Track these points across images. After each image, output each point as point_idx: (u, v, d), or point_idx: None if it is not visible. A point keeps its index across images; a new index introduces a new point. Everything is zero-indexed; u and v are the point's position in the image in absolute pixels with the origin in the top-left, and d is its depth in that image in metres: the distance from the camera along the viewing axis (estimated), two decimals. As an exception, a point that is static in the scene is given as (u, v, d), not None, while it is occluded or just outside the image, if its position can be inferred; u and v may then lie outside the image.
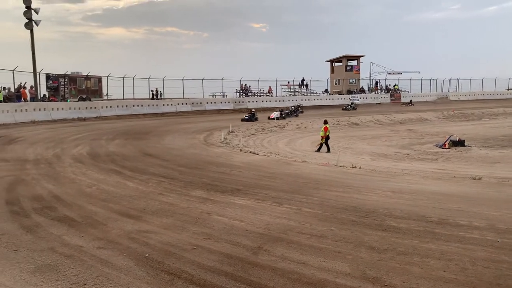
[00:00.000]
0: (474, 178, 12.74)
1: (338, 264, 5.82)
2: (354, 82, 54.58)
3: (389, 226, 7.60)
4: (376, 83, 55.57)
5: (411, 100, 33.29)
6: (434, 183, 11.92)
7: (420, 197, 10.06)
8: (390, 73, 56.08)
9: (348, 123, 31.35)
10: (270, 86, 49.50)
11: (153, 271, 5.55)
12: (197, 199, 9.64)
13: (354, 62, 55.70)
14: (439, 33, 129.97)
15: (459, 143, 20.77)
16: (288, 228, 7.47)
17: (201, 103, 41.54)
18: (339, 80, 54.58)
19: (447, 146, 20.60)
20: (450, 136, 21.49)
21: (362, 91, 53.83)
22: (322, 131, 20.18)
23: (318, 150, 19.93)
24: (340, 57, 55.97)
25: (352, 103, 42.75)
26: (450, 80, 59.70)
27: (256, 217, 8.19)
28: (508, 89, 59.17)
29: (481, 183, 12.20)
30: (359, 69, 55.68)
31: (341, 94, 51.62)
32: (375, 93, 53.22)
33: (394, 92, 52.71)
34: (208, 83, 45.42)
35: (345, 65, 55.39)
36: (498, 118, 35.01)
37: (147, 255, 6.11)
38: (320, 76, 55.77)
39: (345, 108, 41.56)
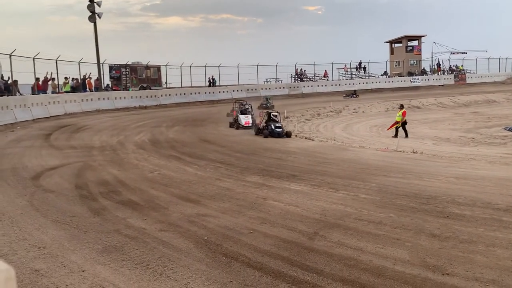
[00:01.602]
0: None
1: (396, 251, 5.69)
2: (415, 63, 52.22)
3: (452, 213, 7.29)
4: (439, 63, 52.83)
5: (355, 91, 29.95)
6: (502, 169, 11.24)
7: (486, 183, 9.55)
8: (454, 53, 53.00)
9: (409, 106, 30.07)
10: (325, 70, 48.56)
11: (211, 253, 5.75)
12: (253, 185, 9.78)
13: (415, 43, 53.21)
14: (509, 7, 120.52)
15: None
16: (345, 214, 7.40)
17: (256, 89, 41.71)
18: (399, 61, 52.44)
19: (517, 129, 19.28)
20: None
21: (423, 72, 51.44)
22: (399, 115, 19.50)
23: (396, 135, 19.27)
24: (400, 38, 53.67)
25: (354, 91, 38.47)
26: (521, 58, 55.43)
27: (311, 202, 8.18)
28: None
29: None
30: (420, 50, 53.12)
31: (401, 76, 49.67)
32: (438, 74, 50.66)
33: (458, 73, 49.90)
34: (262, 69, 45.47)
35: (405, 45, 53.06)
36: None
37: (205, 238, 6.33)
38: (379, 58, 53.92)
39: (346, 96, 37.75)
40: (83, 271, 5.26)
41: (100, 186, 9.82)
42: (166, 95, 36.91)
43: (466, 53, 52.97)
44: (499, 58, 54.16)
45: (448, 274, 4.97)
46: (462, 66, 52.34)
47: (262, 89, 42.04)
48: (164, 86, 41.16)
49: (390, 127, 19.86)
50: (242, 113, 21.82)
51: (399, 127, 19.15)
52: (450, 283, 4.75)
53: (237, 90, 40.63)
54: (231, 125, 21.75)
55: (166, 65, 41.52)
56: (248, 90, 40.93)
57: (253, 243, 6.10)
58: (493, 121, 23.09)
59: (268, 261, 5.44)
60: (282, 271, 5.15)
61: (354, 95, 29.97)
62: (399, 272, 5.05)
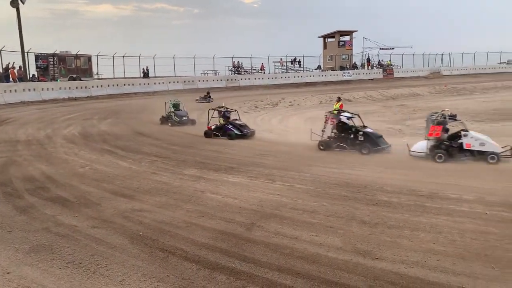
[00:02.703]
0: (464, 152, 12.86)
1: (330, 238, 5.93)
2: (347, 58, 54.28)
3: (381, 200, 7.71)
4: (368, 58, 55.35)
5: (208, 92, 29.15)
6: (425, 158, 12.03)
7: (412, 172, 10.19)
8: (382, 48, 55.70)
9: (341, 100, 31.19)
10: (262, 63, 49.07)
11: (147, 248, 5.62)
12: (191, 178, 9.68)
13: (347, 38, 55.22)
14: (432, 7, 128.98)
15: (451, 117, 20.86)
16: (281, 204, 7.56)
17: (193, 81, 41.18)
18: (331, 56, 54.22)
19: (439, 121, 20.78)
20: (442, 111, 21.57)
21: (354, 67, 53.64)
22: (337, 108, 20.04)
23: None
24: (332, 33, 55.43)
25: (207, 93, 30.91)
26: (442, 54, 59.52)
27: (249, 194, 8.26)
28: (500, 63, 59.24)
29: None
30: (351, 45, 55.23)
31: (334, 70, 51.42)
32: (368, 69, 53.08)
33: (386, 68, 52.58)
34: (199, 61, 44.90)
35: (338, 40, 54.91)
36: (489, 92, 35.13)
37: (141, 233, 6.18)
38: (312, 52, 55.34)
39: (200, 98, 30.59)
40: (7, 273, 4.94)
41: (26, 183, 9.23)
42: (97, 86, 35.31)
43: (393, 48, 55.94)
44: (423, 54, 57.81)
45: (377, 258, 5.26)
46: (390, 61, 55.15)
47: (199, 81, 41.60)
48: (96, 77, 39.34)
49: (326, 120, 20.45)
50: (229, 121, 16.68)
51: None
52: (379, 267, 5.03)
53: (173, 82, 39.84)
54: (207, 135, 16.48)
55: (97, 55, 39.67)
56: (184, 82, 40.28)
57: (190, 236, 6.05)
58: (418, 113, 24.63)
59: (206, 254, 5.43)
60: (219, 263, 5.17)
61: (209, 98, 29.19)
62: (332, 259, 5.26)
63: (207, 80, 42.84)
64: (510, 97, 30.80)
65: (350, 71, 50.97)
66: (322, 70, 52.13)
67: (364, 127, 13.41)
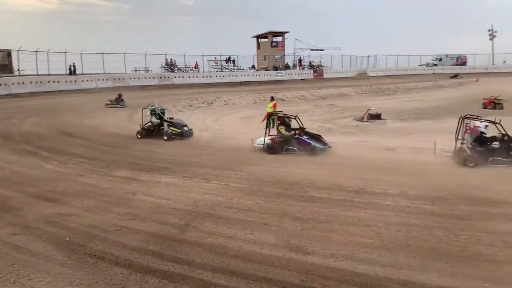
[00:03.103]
0: (389, 149, 13.63)
1: (264, 235, 6.01)
2: (280, 58, 55.33)
3: (312, 196, 7.96)
4: (300, 59, 56.84)
5: (120, 95, 26.70)
6: (354, 155, 12.59)
7: (341, 168, 10.61)
8: (313, 50, 57.52)
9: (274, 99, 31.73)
10: (196, 62, 48.57)
11: (75, 255, 5.35)
12: (121, 179, 9.35)
13: (279, 38, 56.27)
14: (358, 12, 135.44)
15: (376, 116, 21.99)
16: (216, 203, 7.54)
17: (123, 78, 39.75)
18: (265, 56, 54.98)
19: (365, 120, 21.76)
20: (368, 110, 22.67)
21: (287, 67, 54.82)
22: (271, 107, 20.17)
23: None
24: (265, 33, 56.20)
25: (119, 95, 26.80)
26: (368, 56, 62.66)
27: (183, 194, 8.15)
28: (420, 65, 63.64)
29: (395, 153, 13.08)
30: (284, 45, 56.38)
31: (268, 70, 52.19)
32: (299, 69, 54.49)
33: (317, 69, 54.31)
34: (130, 58, 43.43)
35: (271, 41, 55.79)
36: (411, 93, 37.50)
37: (68, 238, 5.86)
38: (247, 52, 55.75)
39: (110, 103, 26.59)
40: None
41: None
42: (18, 83, 32.92)
43: (323, 50, 57.95)
44: (351, 56, 60.49)
45: (309, 253, 5.42)
46: (320, 62, 57.09)
47: (130, 78, 40.26)
48: (16, 73, 36.66)
49: (264, 119, 20.69)
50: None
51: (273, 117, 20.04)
52: (310, 261, 5.18)
53: (102, 80, 38.18)
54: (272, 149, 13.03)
55: (18, 50, 36.98)
56: (114, 79, 38.77)
57: (121, 240, 5.85)
58: (346, 112, 25.69)
59: (137, 258, 5.27)
60: (152, 266, 5.04)
61: (122, 101, 25.87)
62: (266, 256, 5.34)
63: (138, 78, 41.56)
64: (428, 97, 33.13)
65: (283, 71, 52.02)
66: (256, 70, 52.70)
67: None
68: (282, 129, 13.31)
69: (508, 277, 4.75)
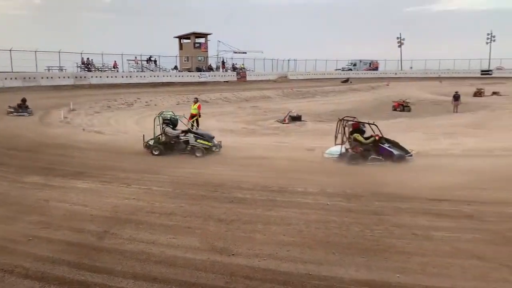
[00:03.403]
0: (308, 149, 14.14)
1: (187, 239, 5.92)
2: (203, 59, 55.05)
3: (236, 198, 8.00)
4: (223, 61, 57.05)
5: (24, 100, 23.02)
6: (276, 156, 12.88)
7: (264, 169, 10.79)
8: (236, 52, 58.01)
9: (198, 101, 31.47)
10: (115, 61, 46.60)
11: (-23, 270, 4.86)
12: (33, 186, 8.68)
13: (202, 40, 55.94)
14: (280, 15, 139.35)
15: (297, 118, 22.78)
16: (137, 208, 7.28)
17: (34, 78, 36.97)
18: (188, 57, 54.33)
19: (286, 121, 22.43)
20: (289, 112, 23.41)
21: (210, 69, 54.69)
22: (195, 108, 19.78)
23: (197, 128, 19.50)
24: (188, 34, 55.54)
25: (23, 101, 22.19)
26: (289, 60, 64.73)
27: (102, 200, 7.76)
28: (336, 69, 67.06)
29: (314, 153, 13.60)
30: (207, 47, 56.17)
31: (191, 71, 51.64)
32: (223, 71, 54.64)
33: (240, 71, 54.86)
34: (42, 56, 40.52)
35: (193, 42, 55.25)
36: (328, 96, 39.33)
37: (-31, 253, 5.31)
38: (168, 52, 54.66)
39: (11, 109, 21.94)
40: None
41: None
42: None
43: (246, 53, 58.68)
44: (272, 60, 62.06)
45: (233, 254, 5.43)
46: (243, 64, 57.76)
47: (42, 78, 37.54)
48: None
49: (189, 120, 20.39)
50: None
51: (197, 119, 19.85)
52: (235, 263, 5.20)
53: (10, 79, 35.18)
54: None
55: None
56: (24, 79, 35.90)
57: (32, 251, 5.42)
58: (268, 114, 26.28)
59: (51, 269, 4.92)
60: (68, 277, 4.74)
61: (27, 108, 21.43)
62: (190, 259, 5.26)
63: (51, 77, 38.91)
64: (344, 100, 34.98)
65: (207, 73, 51.84)
66: (179, 71, 51.89)
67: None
68: (359, 136, 12.02)
69: (417, 267, 5.13)
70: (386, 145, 11.76)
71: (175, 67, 52.93)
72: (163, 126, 13.14)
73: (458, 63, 64.48)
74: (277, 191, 8.47)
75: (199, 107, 19.99)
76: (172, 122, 13.34)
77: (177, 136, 13.00)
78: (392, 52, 71.07)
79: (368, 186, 8.89)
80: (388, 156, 11.51)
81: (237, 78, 53.07)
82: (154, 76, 46.32)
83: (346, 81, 51.49)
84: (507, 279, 4.82)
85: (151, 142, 12.93)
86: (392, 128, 20.04)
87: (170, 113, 13.87)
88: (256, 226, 6.48)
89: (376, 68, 68.92)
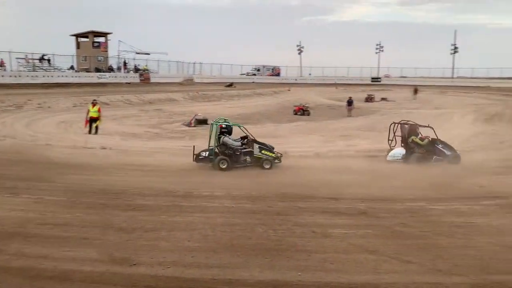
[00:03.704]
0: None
1: (84, 251, 5.53)
2: (103, 59, 52.34)
3: (139, 204, 7.69)
4: (125, 62, 54.80)
5: None
6: (182, 160, 12.67)
7: (168, 174, 10.55)
8: (138, 53, 56.10)
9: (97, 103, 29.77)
10: (2, 59, 42.26)
11: None
12: None
13: (102, 39, 53.20)
14: (186, 16, 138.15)
15: (203, 121, 22.69)
16: (26, 220, 6.64)
17: None
18: (86, 57, 51.22)
19: (193, 125, 22.21)
20: (195, 115, 23.22)
21: (110, 69, 52.18)
22: (95, 111, 18.40)
23: (90, 131, 18.13)
24: (86, 33, 52.36)
25: None
26: (194, 63, 64.47)
27: (-18, 213, 6.94)
28: (241, 74, 68.27)
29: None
30: (107, 47, 53.49)
31: (89, 71, 48.74)
32: (125, 73, 52.49)
33: (143, 72, 53.16)
34: None
35: (92, 41, 52.29)
36: (234, 99, 39.84)
37: None
38: (63, 51, 51.10)
39: None
40: None
41: None
42: None
43: (149, 54, 57.07)
44: (177, 62, 61.19)
45: (135, 264, 5.19)
46: (146, 65, 56.05)
47: None
48: None
49: (86, 123, 19.10)
50: None
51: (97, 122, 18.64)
52: (137, 273, 4.97)
53: None
54: None
55: None
56: None
57: None
58: (174, 118, 25.79)
59: None
60: None
61: None
62: (87, 272, 4.92)
63: None
64: (249, 103, 35.73)
65: (107, 74, 49.39)
66: (76, 71, 48.73)
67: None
68: (416, 138, 12.61)
69: (317, 264, 5.38)
70: (440, 146, 12.39)
71: (71, 67, 49.61)
72: (220, 135, 11.70)
73: (352, 71, 69.74)
74: (182, 196, 8.33)
75: (99, 110, 18.87)
76: (228, 131, 11.93)
77: (237, 147, 11.70)
78: (293, 58, 74.42)
79: (272, 188, 9.15)
80: (444, 156, 12.22)
81: (140, 80, 51.37)
82: (48, 76, 42.91)
83: (230, 85, 51.07)
84: (396, 270, 5.26)
85: (205, 154, 11.45)
86: (293, 131, 20.96)
87: (227, 120, 12.46)
88: (160, 234, 6.28)
89: (278, 74, 71.60)
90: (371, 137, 18.80)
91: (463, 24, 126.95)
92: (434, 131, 12.76)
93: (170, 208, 7.55)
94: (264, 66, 71.11)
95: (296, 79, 67.05)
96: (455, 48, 65.96)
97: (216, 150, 11.47)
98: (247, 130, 12.22)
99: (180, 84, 52.76)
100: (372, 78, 66.44)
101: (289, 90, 48.29)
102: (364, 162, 12.28)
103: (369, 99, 38.33)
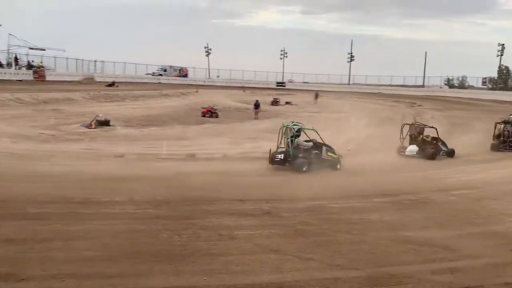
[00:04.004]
0: (117, 156, 13.53)
1: (-38, 268, 4.91)
2: (-10, 53, 47.34)
3: (30, 213, 7.05)
4: (16, 57, 50.09)
5: None
6: (80, 164, 11.90)
7: (66, 179, 9.82)
8: (32, 48, 51.59)
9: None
10: None
11: None
12: None
13: (-12, 31, 48.16)
14: (84, 12, 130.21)
15: (105, 123, 21.53)
16: None
17: None
18: (-33, 50, 45.94)
19: (93, 126, 20.94)
20: (96, 116, 21.96)
21: (-1, 65, 47.38)
22: None
23: None
24: (-33, 23, 47.01)
25: None
26: (95, 61, 60.99)
27: None
28: (147, 73, 66.21)
29: (123, 160, 13.09)
30: (-6, 40, 48.52)
31: (-28, 66, 43.76)
32: (16, 69, 47.95)
33: (37, 69, 49.02)
34: None
35: (-25, 33, 47.13)
36: (139, 100, 38.37)
37: None
38: None
39: None
40: None
41: None
42: None
43: (44, 49, 52.78)
44: (77, 59, 57.44)
45: (23, 279, 4.72)
46: (41, 62, 51.78)
47: None
48: None
49: None
50: None
51: None
52: (25, 288, 4.54)
53: None
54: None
55: None
56: None
57: None
58: (72, 119, 24.09)
59: None
60: None
61: None
62: (-35, 293, 4.38)
63: None
64: (155, 105, 34.77)
65: (-6, 69, 44.69)
66: (-45, 65, 43.38)
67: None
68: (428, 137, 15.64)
69: (222, 267, 5.37)
70: (439, 143, 15.39)
71: (-51, 61, 44.07)
72: (292, 138, 11.89)
73: (258, 75, 71.63)
74: (81, 203, 7.80)
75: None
76: (298, 134, 12.16)
77: (311, 150, 11.98)
78: (201, 60, 74.14)
79: (177, 191, 8.98)
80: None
81: (34, 78, 47.31)
82: None
83: (111, 85, 46.97)
84: (298, 268, 5.46)
85: (280, 156, 11.65)
86: (202, 133, 20.86)
87: (298, 124, 12.65)
88: (54, 244, 5.80)
89: (185, 75, 70.79)
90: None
91: (359, 35, 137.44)
92: (437, 132, 15.68)
93: (66, 215, 7.02)
94: (171, 67, 69.76)
95: (204, 81, 66.91)
96: (352, 56, 71.04)
97: (292, 152, 11.73)
98: (318, 133, 12.51)
99: (79, 82, 49.56)
100: (277, 83, 68.80)
101: (197, 92, 47.95)
102: (267, 164, 12.60)
103: (275, 102, 39.57)
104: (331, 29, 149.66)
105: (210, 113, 28.23)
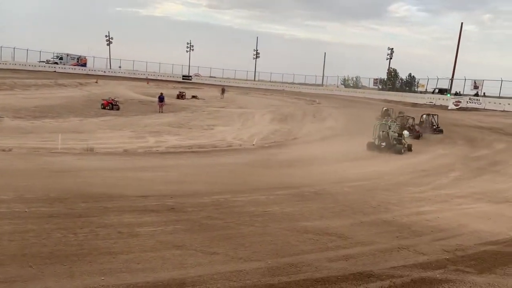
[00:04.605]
0: (4, 150, 12.27)
1: None
2: None
3: None
4: None
5: None
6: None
7: None
8: None
9: None
10: None
11: None
12: None
13: None
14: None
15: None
16: None
17: None
18: None
19: (-25, 117, 18.79)
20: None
21: None
22: None
23: None
24: None
25: None
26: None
27: None
28: (40, 61, 60.74)
29: (11, 154, 11.91)
30: None
31: None
32: None
33: None
34: None
35: None
36: (30, 89, 35.11)
37: None
38: None
39: None
40: None
41: None
42: None
43: None
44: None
45: None
46: None
47: None
48: None
49: None
50: None
51: None
52: None
53: None
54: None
55: None
56: None
57: None
58: None
59: None
60: None
61: None
62: None
63: None
64: (49, 95, 32.16)
65: None
66: None
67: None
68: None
69: (122, 265, 5.14)
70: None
71: None
72: (389, 131, 16.74)
73: (163, 67, 69.58)
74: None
75: None
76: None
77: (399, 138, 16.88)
78: (101, 49, 69.86)
79: (73, 188, 8.39)
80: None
81: None
82: None
83: None
84: (201, 262, 5.43)
85: (384, 144, 16.32)
86: (101, 126, 19.75)
87: (392, 123, 17.88)
88: None
89: (84, 64, 66.32)
90: (181, 133, 19.15)
91: (265, 32, 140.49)
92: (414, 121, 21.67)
93: None
94: (68, 55, 64.80)
95: (104, 71, 63.25)
96: (257, 53, 72.43)
97: (392, 140, 16.53)
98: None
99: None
100: (183, 76, 67.65)
101: (96, 82, 45.28)
102: (172, 159, 12.40)
103: (181, 96, 38.92)
104: (237, 25, 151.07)
105: (111, 105, 26.84)
